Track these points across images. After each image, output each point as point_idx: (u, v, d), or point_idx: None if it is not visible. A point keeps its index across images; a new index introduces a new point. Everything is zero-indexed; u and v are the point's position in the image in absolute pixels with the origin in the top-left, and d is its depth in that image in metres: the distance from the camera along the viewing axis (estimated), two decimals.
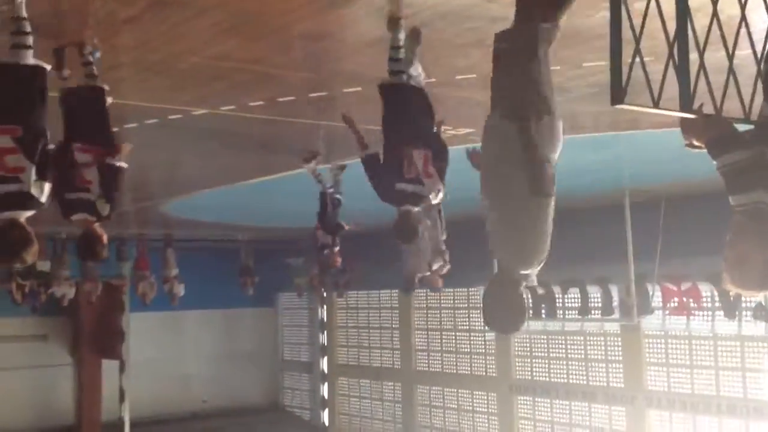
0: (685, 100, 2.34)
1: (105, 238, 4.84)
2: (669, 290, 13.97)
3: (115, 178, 4.74)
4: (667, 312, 14.15)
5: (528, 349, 16.90)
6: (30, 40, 4.19)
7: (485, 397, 17.77)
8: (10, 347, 20.23)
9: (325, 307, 22.07)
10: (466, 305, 18.47)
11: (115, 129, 5.07)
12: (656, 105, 2.29)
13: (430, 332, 19.21)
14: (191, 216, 15.08)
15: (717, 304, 13.41)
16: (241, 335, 23.14)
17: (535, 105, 3.24)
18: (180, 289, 18.18)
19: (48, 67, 4.35)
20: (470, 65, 5.74)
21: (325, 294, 20.94)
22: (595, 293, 15.25)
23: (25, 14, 4.16)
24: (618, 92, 2.27)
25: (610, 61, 2.27)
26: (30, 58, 4.21)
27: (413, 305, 19.52)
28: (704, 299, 13.66)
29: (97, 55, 4.87)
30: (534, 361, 16.77)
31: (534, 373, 16.73)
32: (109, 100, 4.87)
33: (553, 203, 3.29)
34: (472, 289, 17.79)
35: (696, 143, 2.53)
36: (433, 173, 4.92)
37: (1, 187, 4.15)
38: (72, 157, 4.62)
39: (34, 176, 4.17)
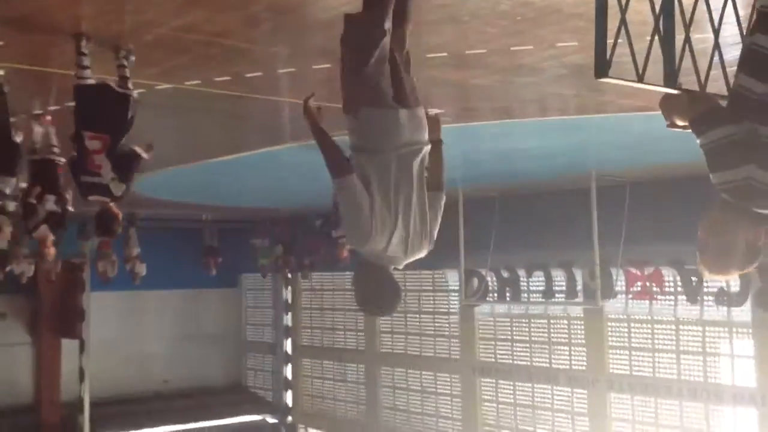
0: (670, 75, 2.27)
1: (120, 216, 5.67)
2: (632, 275, 14.08)
3: (131, 164, 5.56)
4: (630, 296, 14.27)
5: (492, 331, 16.94)
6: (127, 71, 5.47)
7: (448, 379, 17.82)
8: None
9: (289, 288, 21.95)
10: (431, 288, 18.46)
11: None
12: (641, 79, 2.22)
13: (394, 314, 19.15)
14: (155, 195, 14.83)
15: (679, 289, 13.54)
16: (204, 315, 22.95)
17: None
18: (142, 269, 17.90)
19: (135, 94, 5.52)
20: (441, 43, 5.64)
21: (289, 275, 20.86)
22: (559, 277, 15.32)
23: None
24: (602, 65, 2.19)
25: (596, 32, 2.19)
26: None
27: None
28: (667, 284, 13.78)
29: (132, 59, 5.52)
30: (498, 343, 16.82)
31: (497, 356, 16.79)
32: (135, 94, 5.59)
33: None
34: (438, 272, 17.79)
35: (679, 122, 2.46)
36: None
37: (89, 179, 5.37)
38: (83, 144, 5.37)
39: (111, 174, 5.37)
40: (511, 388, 16.49)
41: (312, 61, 5.95)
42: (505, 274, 16.11)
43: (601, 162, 12.20)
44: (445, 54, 5.88)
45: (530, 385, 16.11)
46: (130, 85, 5.50)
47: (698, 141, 2.31)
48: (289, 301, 22.09)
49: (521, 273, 15.91)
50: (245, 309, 23.66)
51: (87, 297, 19.80)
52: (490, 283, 16.23)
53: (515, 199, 14.98)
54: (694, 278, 13.11)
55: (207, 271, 19.12)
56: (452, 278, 16.98)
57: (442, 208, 3.75)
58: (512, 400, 16.48)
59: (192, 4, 4.67)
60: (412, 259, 3.69)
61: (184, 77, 6.43)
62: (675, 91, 2.33)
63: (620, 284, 14.00)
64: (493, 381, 16.81)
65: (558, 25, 5.20)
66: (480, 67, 6.27)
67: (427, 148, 3.60)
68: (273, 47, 5.47)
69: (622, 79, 2.26)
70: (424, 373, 18.39)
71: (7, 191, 6.22)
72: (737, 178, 2.20)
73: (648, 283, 14.05)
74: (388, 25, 3.44)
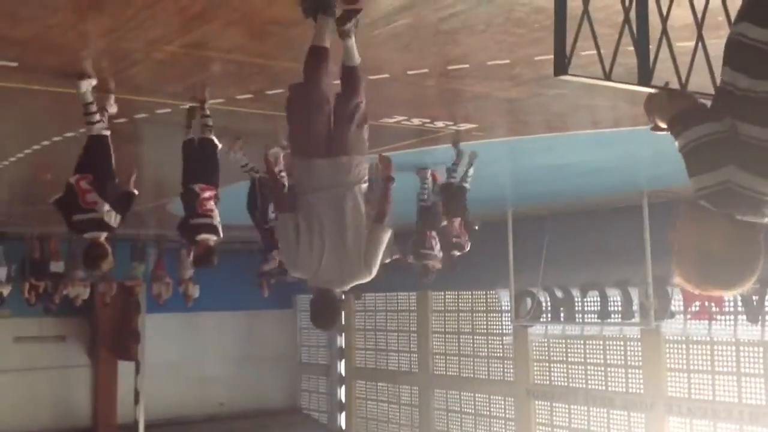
0: (644, 72, 2.05)
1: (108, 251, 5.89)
2: (690, 294, 13.54)
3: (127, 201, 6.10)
4: (689, 316, 13.74)
5: (546, 353, 16.54)
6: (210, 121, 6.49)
7: (502, 402, 17.43)
8: (30, 347, 20.28)
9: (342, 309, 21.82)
10: (484, 308, 18.13)
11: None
12: (608, 77, 2.01)
13: (447, 335, 18.90)
14: None
15: (740, 309, 12.98)
16: (260, 337, 22.98)
17: None
18: (195, 291, 18.03)
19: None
20: (461, 54, 5.46)
21: (342, 296, 20.71)
22: (614, 296, 14.85)
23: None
24: (561, 62, 1.99)
25: (555, 25, 2.00)
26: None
27: (431, 308, 19.24)
28: (726, 303, 13.22)
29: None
30: (552, 365, 16.40)
31: (552, 378, 16.36)
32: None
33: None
34: (491, 292, 17.47)
35: (660, 124, 2.23)
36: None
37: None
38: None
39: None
40: (566, 411, 16.03)
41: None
42: (559, 294, 15.69)
43: (652, 177, 11.78)
44: (467, 65, 5.69)
45: (586, 408, 15.63)
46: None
47: (676, 144, 2.08)
48: (342, 322, 21.96)
49: (575, 292, 15.48)
50: (300, 330, 23.63)
51: (142, 319, 20.02)
52: (543, 303, 15.84)
53: (567, 216, 14.64)
54: (755, 297, 12.55)
55: (261, 292, 19.11)
56: (505, 298, 16.63)
57: (384, 240, 4.31)
58: (567, 424, 16.01)
59: (197, 20, 4.59)
60: (350, 284, 4.35)
61: (208, 95, 6.37)
62: (651, 90, 2.11)
63: (677, 304, 13.49)
64: (548, 404, 16.38)
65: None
66: (505, 79, 6.06)
67: (358, 187, 4.28)
68: (286, 62, 5.35)
69: (585, 77, 2.05)
70: (477, 395, 18.03)
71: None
72: (715, 182, 1.97)
73: (707, 303, 13.51)
74: (321, 92, 4.26)
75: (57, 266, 17.06)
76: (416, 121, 7.37)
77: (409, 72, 5.76)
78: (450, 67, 5.70)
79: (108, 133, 5.88)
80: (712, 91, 2.18)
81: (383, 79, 5.90)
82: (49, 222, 16.76)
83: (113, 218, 5.74)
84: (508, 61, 5.60)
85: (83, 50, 5.10)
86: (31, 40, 4.80)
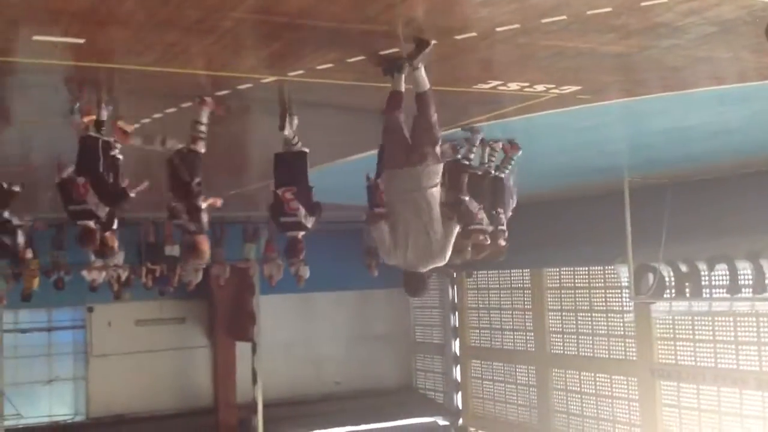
0: None
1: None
2: None
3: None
4: None
5: (671, 331, 15.60)
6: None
7: (625, 382, 16.60)
8: (152, 329, 20.80)
9: (455, 287, 21.37)
10: (602, 285, 17.29)
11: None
12: None
13: (564, 313, 18.14)
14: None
15: None
16: (373, 316, 22.81)
17: None
18: (305, 272, 17.92)
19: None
20: (557, 4, 4.86)
21: (455, 274, 20.26)
22: (745, 269, 13.77)
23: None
24: None
25: None
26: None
27: (546, 285, 18.53)
28: None
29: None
30: (678, 344, 15.46)
31: (678, 357, 15.42)
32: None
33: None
34: (609, 267, 16.62)
35: None
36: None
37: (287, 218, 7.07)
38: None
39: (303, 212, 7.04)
40: (695, 392, 15.08)
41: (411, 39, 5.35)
42: (684, 268, 14.70)
43: None
44: (563, 17, 5.08)
45: (716, 388, 14.65)
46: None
47: None
48: (456, 300, 21.51)
49: (701, 266, 14.46)
50: (413, 309, 23.31)
51: (257, 300, 20.15)
52: (666, 279, 14.88)
53: (690, 184, 13.69)
54: None
55: (369, 272, 18.87)
56: (624, 274, 15.76)
57: (455, 232, 5.52)
58: (696, 406, 15.06)
59: None
60: (430, 267, 5.55)
61: (286, 68, 6.00)
62: None
63: None
64: (675, 384, 15.45)
65: None
66: (609, 31, 5.41)
67: (431, 191, 5.41)
68: (361, 24, 4.91)
69: None
70: (598, 375, 17.25)
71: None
72: None
73: None
74: (399, 121, 5.56)
75: (172, 250, 17.33)
76: (513, 86, 6.79)
77: (499, 29, 5.21)
78: (544, 20, 5.11)
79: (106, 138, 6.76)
80: None
81: (471, 38, 5.37)
82: (163, 207, 17.11)
83: (100, 209, 6.70)
84: (610, 9, 4.97)
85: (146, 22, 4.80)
86: (89, 13, 4.52)
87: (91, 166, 6.70)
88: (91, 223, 6.71)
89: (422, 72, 5.43)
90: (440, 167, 5.51)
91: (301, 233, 7.20)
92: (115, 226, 7.19)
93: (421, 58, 5.34)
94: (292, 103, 7.23)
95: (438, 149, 5.47)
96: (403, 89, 5.52)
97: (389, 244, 5.44)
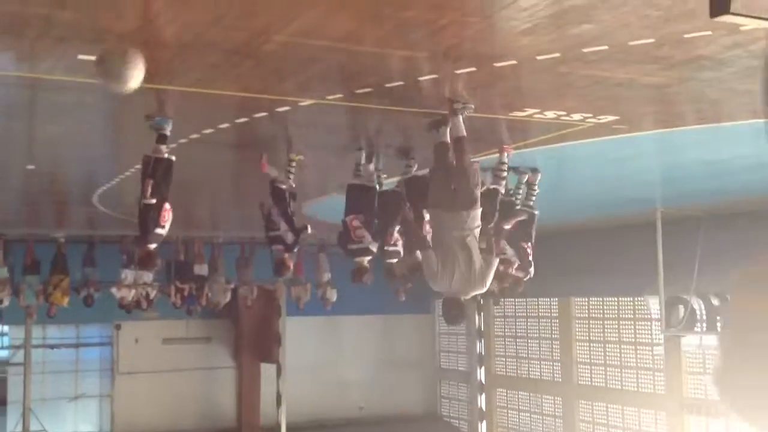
0: None
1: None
2: None
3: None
4: None
5: (701, 365, 15.36)
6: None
7: (653, 416, 16.35)
8: (177, 348, 20.84)
9: (481, 314, 21.24)
10: (631, 316, 17.11)
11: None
12: None
13: (592, 344, 17.96)
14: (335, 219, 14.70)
15: None
16: (399, 342, 22.71)
17: None
18: (333, 295, 17.98)
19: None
20: (599, 34, 4.86)
21: (481, 301, 20.14)
22: None
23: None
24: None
25: None
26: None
27: (574, 315, 18.37)
28: None
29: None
30: (708, 378, 15.20)
31: (708, 392, 15.16)
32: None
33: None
34: (638, 298, 16.45)
35: None
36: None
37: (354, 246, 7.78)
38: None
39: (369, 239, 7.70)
40: (724, 427, 14.80)
41: (453, 65, 5.37)
42: (715, 302, 14.49)
43: None
44: (605, 47, 5.08)
45: (745, 424, 14.35)
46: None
47: None
48: (482, 328, 21.37)
49: None
50: (438, 335, 23.18)
51: (283, 322, 20.15)
52: (697, 312, 14.68)
53: (724, 217, 13.52)
54: None
55: (397, 296, 18.79)
56: (654, 306, 15.58)
57: (495, 265, 6.42)
58: None
59: (303, 3, 4.24)
60: (471, 294, 6.49)
61: (324, 91, 6.04)
62: None
63: None
64: (704, 419, 15.20)
65: None
66: (650, 62, 5.40)
67: (473, 231, 6.29)
68: (402, 50, 4.94)
69: (753, 17, 1.50)
70: (625, 408, 17.01)
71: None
72: None
73: None
74: (448, 167, 6.46)
75: (201, 269, 17.41)
76: (550, 114, 6.78)
77: (539, 57, 5.21)
78: (586, 50, 5.11)
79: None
80: None
81: (510, 66, 5.38)
82: (193, 225, 17.21)
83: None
84: (652, 40, 4.96)
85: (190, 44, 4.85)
86: (134, 34, 4.59)
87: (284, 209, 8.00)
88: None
89: (460, 118, 6.21)
90: (480, 211, 6.30)
91: (367, 259, 7.82)
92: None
93: (461, 109, 6.18)
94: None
95: (478, 192, 6.30)
96: (448, 140, 6.38)
97: (437, 271, 6.16)
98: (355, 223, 7.59)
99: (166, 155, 6.62)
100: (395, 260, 8.13)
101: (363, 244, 7.65)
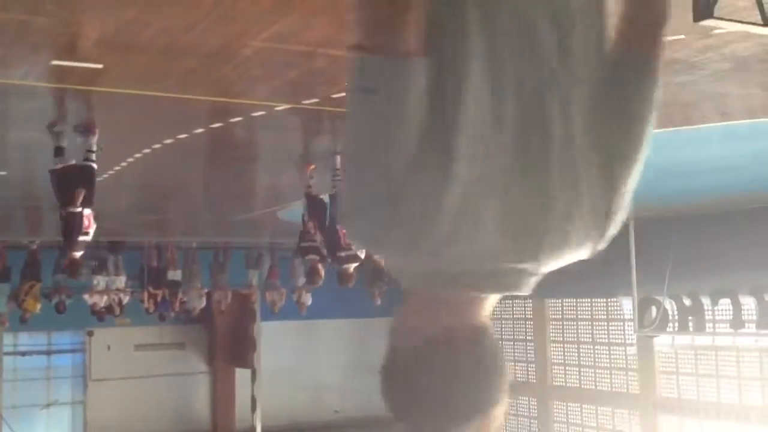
0: None
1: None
2: None
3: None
4: None
5: (674, 365, 15.53)
6: None
7: (627, 416, 16.50)
8: (150, 355, 20.68)
9: None
10: (605, 317, 17.25)
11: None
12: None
13: (566, 345, 18.08)
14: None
15: None
16: (374, 345, 22.49)
17: None
18: (307, 299, 17.97)
19: None
20: None
21: None
22: (749, 304, 13.74)
23: None
24: (704, 4, 1.48)
25: None
26: None
27: (548, 316, 18.48)
28: None
29: None
30: (681, 378, 15.38)
31: (681, 392, 15.34)
32: None
33: None
34: (612, 300, 16.59)
35: None
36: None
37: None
38: None
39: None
40: (697, 426, 14.99)
41: None
42: (687, 302, 14.67)
43: None
44: None
45: (718, 423, 14.56)
46: None
47: None
48: None
49: (705, 300, 14.43)
50: None
51: (257, 326, 20.09)
52: (669, 312, 14.85)
53: (695, 218, 13.69)
54: None
55: (373, 300, 18.83)
56: (627, 306, 15.73)
57: None
58: None
59: (277, 10, 4.24)
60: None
61: (301, 95, 6.04)
62: None
63: None
64: (677, 419, 15.36)
65: None
66: None
67: None
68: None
69: (736, 21, 1.54)
70: (600, 408, 17.15)
71: None
72: None
73: None
74: None
75: (174, 274, 17.30)
76: None
77: None
78: None
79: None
80: None
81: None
82: (166, 231, 17.11)
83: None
84: None
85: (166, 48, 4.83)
86: (110, 39, 4.56)
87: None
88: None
89: None
90: None
91: (354, 265, 8.22)
92: None
93: None
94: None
95: None
96: None
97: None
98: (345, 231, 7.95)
99: (93, 164, 6.77)
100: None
101: (352, 251, 7.91)
